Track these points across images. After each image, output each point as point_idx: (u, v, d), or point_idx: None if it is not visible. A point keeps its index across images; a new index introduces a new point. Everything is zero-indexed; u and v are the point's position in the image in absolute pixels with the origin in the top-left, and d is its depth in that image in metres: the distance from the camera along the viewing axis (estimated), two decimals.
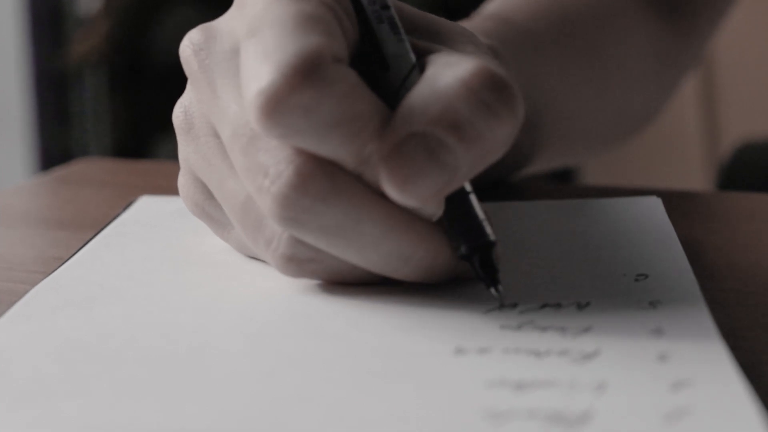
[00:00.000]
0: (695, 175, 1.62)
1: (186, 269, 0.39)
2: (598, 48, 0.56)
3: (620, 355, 0.31)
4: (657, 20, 0.61)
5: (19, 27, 1.81)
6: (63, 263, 0.40)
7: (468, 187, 0.35)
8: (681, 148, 1.64)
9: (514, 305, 0.35)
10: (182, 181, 0.40)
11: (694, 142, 1.63)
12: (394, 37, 0.36)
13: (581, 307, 0.35)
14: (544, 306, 0.35)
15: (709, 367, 0.30)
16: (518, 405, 0.28)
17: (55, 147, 1.84)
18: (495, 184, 0.51)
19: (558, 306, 0.35)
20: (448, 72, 0.33)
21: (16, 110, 1.83)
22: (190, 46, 0.38)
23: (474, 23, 0.49)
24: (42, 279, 0.39)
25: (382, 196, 0.34)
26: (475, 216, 0.35)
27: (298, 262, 0.35)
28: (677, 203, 0.47)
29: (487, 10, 0.55)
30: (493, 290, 0.35)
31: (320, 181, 0.33)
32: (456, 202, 0.35)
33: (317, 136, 0.33)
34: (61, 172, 0.60)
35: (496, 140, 0.33)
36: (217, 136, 0.37)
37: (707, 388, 0.29)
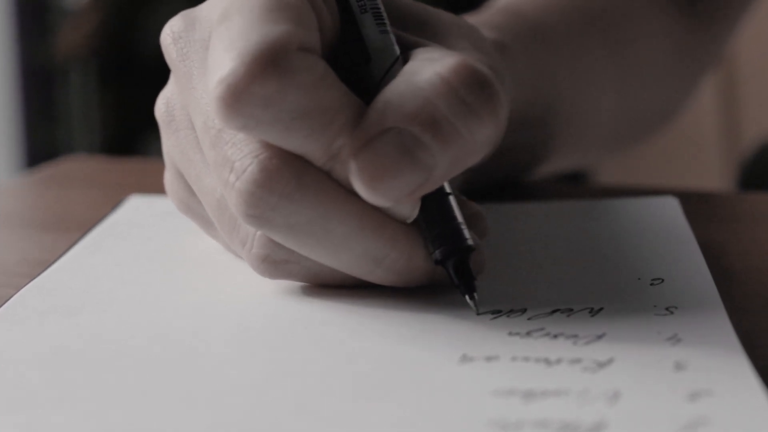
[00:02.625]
0: (714, 174, 1.62)
1: (178, 272, 0.39)
2: (614, 43, 0.56)
3: (635, 364, 0.31)
4: (675, 16, 0.61)
5: (2, 20, 1.81)
6: (49, 266, 0.40)
7: (447, 188, 0.35)
8: (700, 145, 1.63)
9: (523, 311, 0.35)
10: (167, 176, 0.40)
11: (713, 140, 1.63)
12: (377, 29, 0.36)
13: (594, 312, 0.35)
14: (554, 312, 0.35)
15: (729, 376, 0.30)
16: (527, 416, 0.28)
17: (40, 145, 1.84)
18: (505, 184, 0.51)
19: (569, 312, 0.35)
20: (428, 67, 0.33)
21: None
22: (170, 34, 0.38)
23: (482, 17, 0.50)
24: (27, 283, 0.39)
25: (353, 194, 0.34)
26: (452, 219, 0.35)
27: (272, 262, 0.35)
28: (695, 204, 0.47)
29: (497, 2, 0.55)
30: (468, 299, 0.35)
31: (286, 177, 0.33)
32: (433, 203, 0.35)
33: (281, 128, 0.33)
34: (46, 171, 0.60)
35: (475, 141, 0.33)
36: (195, 128, 0.37)
37: (726, 398, 0.29)
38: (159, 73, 0.43)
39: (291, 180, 0.33)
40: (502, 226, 0.44)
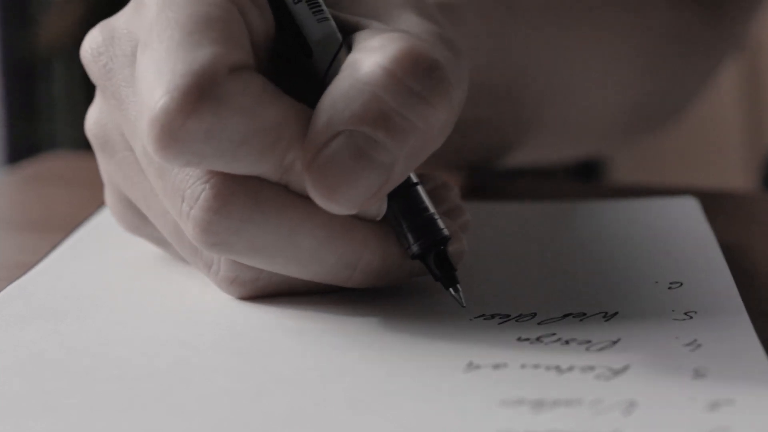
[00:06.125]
0: (736, 173, 1.62)
1: (166, 277, 0.39)
2: (605, 23, 0.55)
3: (652, 371, 0.31)
4: (683, 4, 0.60)
5: None
6: (30, 269, 0.40)
7: (414, 178, 0.35)
8: (721, 142, 1.63)
9: (533, 315, 0.35)
10: (110, 200, 0.40)
11: (735, 136, 1.63)
12: (314, 17, 0.35)
13: (608, 317, 0.35)
14: (566, 316, 0.35)
15: (751, 383, 0.30)
16: (537, 427, 0.28)
17: (21, 141, 1.84)
18: (512, 181, 0.51)
19: (582, 316, 0.35)
20: (369, 58, 0.33)
21: None
22: (88, 50, 0.37)
23: None
24: (6, 286, 0.39)
25: (314, 203, 0.33)
26: (423, 210, 0.35)
27: (242, 283, 0.35)
28: (716, 204, 0.47)
29: None
30: (451, 291, 0.35)
31: (242, 199, 0.33)
32: (400, 196, 0.35)
33: (227, 158, 0.32)
34: (28, 168, 0.60)
35: (431, 129, 0.33)
36: (134, 150, 0.37)
37: (749, 408, 0.29)
38: None
39: (248, 201, 0.33)
40: (512, 226, 0.44)
